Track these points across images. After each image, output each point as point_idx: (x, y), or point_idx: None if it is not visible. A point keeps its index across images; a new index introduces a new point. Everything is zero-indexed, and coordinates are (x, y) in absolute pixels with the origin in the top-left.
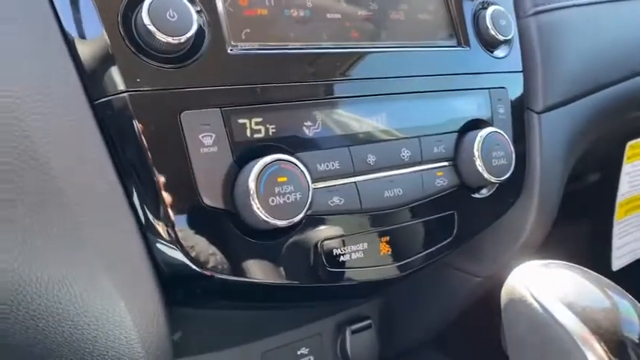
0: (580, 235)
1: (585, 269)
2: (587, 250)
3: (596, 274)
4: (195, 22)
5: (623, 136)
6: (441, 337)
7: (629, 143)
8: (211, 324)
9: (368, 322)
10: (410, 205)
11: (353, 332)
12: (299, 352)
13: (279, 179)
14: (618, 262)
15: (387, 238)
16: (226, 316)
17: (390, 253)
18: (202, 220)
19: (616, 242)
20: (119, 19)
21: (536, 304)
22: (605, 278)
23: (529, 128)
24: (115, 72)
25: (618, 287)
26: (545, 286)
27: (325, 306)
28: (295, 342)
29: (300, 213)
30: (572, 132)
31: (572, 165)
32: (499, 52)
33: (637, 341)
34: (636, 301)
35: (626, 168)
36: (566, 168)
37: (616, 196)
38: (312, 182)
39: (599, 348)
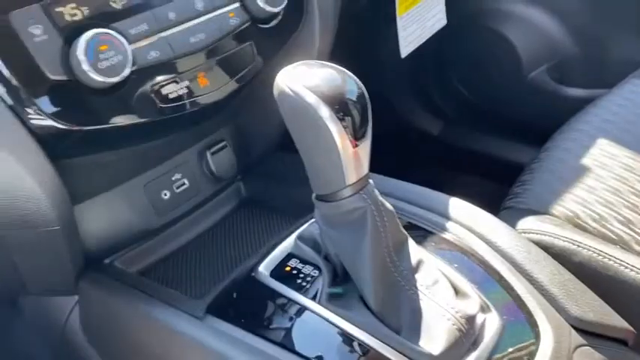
0: (371, 35)
1: (332, 65)
2: (378, 45)
3: (336, 66)
4: None
5: None
6: (284, 141)
7: None
8: (98, 170)
9: (223, 143)
10: (214, 45)
11: (212, 154)
12: (174, 178)
13: (101, 48)
14: (405, 50)
15: (203, 73)
16: (109, 161)
17: (208, 84)
18: (55, 91)
19: (401, 34)
20: None
21: (290, 92)
22: (342, 68)
23: None
24: None
25: (349, 72)
26: (298, 79)
27: (184, 138)
28: (169, 171)
29: (125, 69)
30: None
31: None
32: None
33: (355, 100)
34: (359, 80)
35: None
36: None
37: None
38: (130, 44)
39: (327, 108)
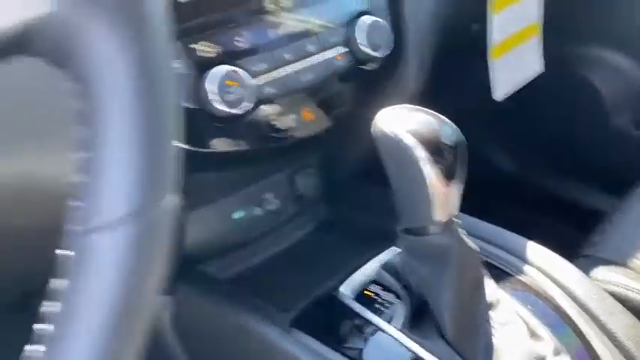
0: (464, 78)
1: (428, 110)
2: (456, 82)
3: (432, 111)
4: None
5: None
6: (366, 171)
7: None
8: (205, 186)
9: (311, 169)
10: (321, 84)
11: (301, 177)
12: (265, 197)
13: (228, 82)
14: (499, 93)
15: (308, 108)
16: (215, 178)
17: (312, 118)
18: (185, 116)
19: (496, 76)
20: None
21: (390, 133)
22: (437, 114)
23: (400, 7)
24: None
25: (445, 118)
26: (397, 122)
27: (278, 162)
28: (262, 190)
29: (246, 102)
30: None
31: (440, 25)
32: None
33: (450, 144)
34: (455, 126)
35: (495, 18)
36: (434, 30)
37: (490, 41)
38: (252, 80)
39: (424, 151)
